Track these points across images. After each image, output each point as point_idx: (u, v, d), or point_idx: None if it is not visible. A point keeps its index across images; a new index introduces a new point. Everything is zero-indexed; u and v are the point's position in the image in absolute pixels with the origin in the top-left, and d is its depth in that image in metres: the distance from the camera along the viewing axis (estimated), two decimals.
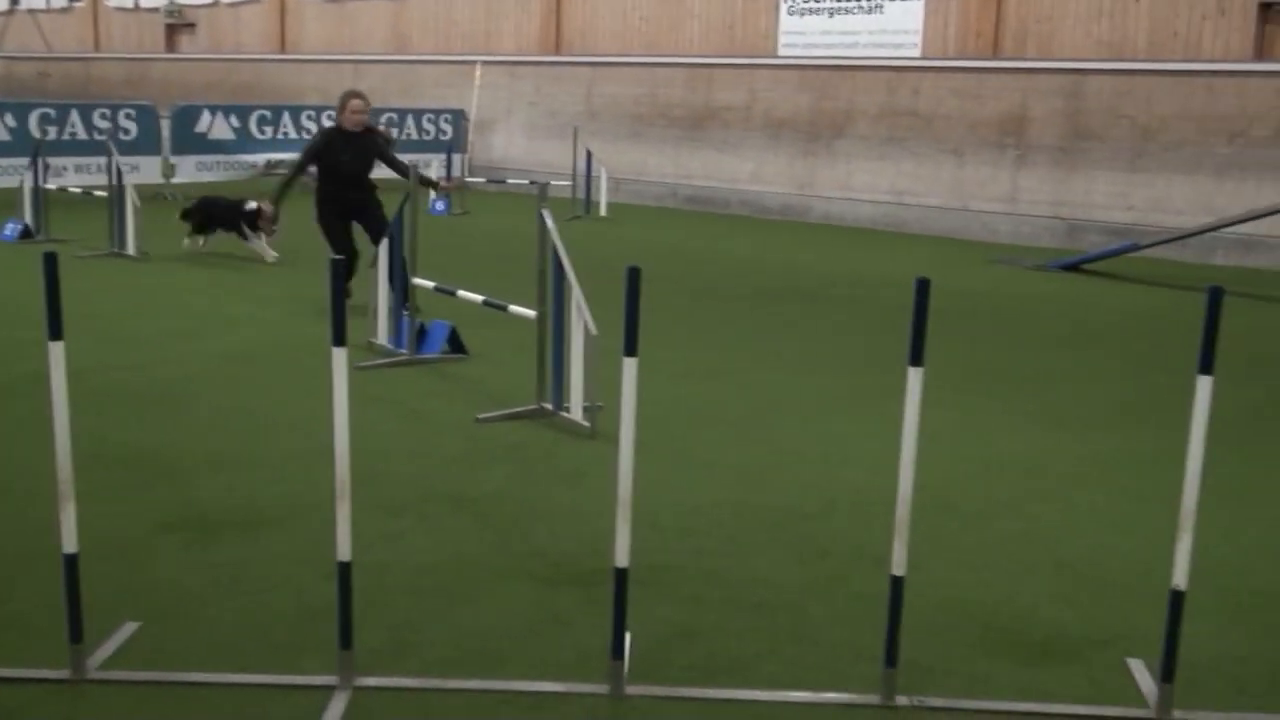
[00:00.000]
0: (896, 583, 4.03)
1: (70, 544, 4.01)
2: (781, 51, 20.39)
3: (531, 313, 7.50)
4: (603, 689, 4.07)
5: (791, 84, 19.97)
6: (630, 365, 3.93)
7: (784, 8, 20.37)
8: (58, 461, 4.00)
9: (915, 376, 3.89)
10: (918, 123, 18.63)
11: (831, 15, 19.81)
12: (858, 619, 4.70)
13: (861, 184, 19.22)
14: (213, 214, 13.86)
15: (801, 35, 20.20)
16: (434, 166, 19.82)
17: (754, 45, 20.78)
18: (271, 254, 13.37)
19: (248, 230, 13.50)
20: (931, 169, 18.48)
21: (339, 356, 3.87)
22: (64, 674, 4.04)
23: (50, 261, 3.88)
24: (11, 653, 4.18)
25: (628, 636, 4.08)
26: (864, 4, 19.49)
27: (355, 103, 10.40)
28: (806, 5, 20.12)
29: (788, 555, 5.39)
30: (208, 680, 4.06)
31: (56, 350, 3.92)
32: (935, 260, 15.15)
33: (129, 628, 4.39)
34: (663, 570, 4.98)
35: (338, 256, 3.98)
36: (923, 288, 3.77)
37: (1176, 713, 4.05)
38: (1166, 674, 4.05)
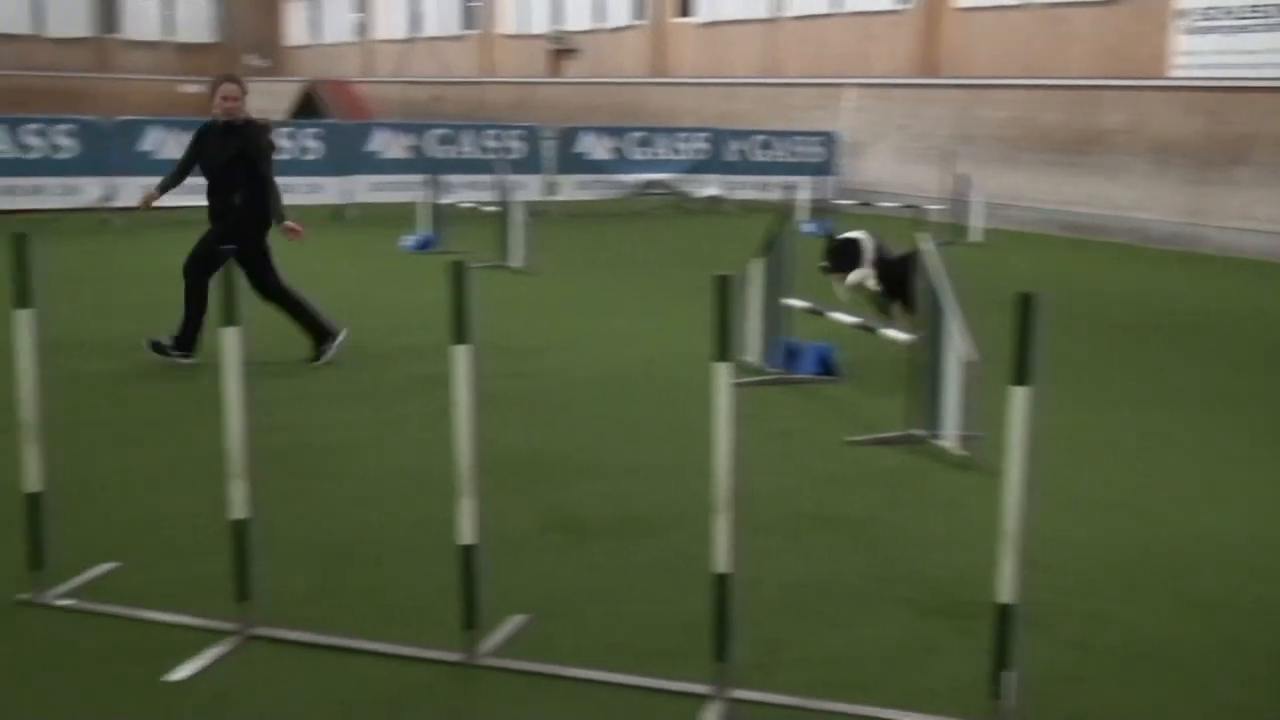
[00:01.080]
0: None
1: (469, 536, 4.25)
2: (1174, 72, 19.29)
3: (904, 336, 7.39)
4: None
5: (1180, 106, 18.86)
6: (1021, 395, 3.79)
7: (1179, 26, 19.27)
8: (459, 459, 4.25)
9: None
10: None
11: (1232, 33, 18.58)
12: (1258, 680, 4.36)
13: (1265, 215, 17.86)
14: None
15: (1197, 55, 19.06)
16: (803, 189, 19.91)
17: (1142, 66, 19.77)
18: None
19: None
20: None
21: (722, 372, 3.93)
22: (458, 657, 4.29)
23: (459, 272, 4.14)
24: (411, 634, 4.47)
25: (1011, 675, 3.93)
26: (1271, 20, 18.16)
27: (227, 87, 8.71)
28: (1205, 23, 18.96)
29: (1177, 604, 5.06)
30: (589, 676, 4.21)
31: (460, 354, 4.18)
32: None
33: (518, 620, 4.61)
34: (1043, 609, 4.77)
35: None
36: None
37: None
38: None
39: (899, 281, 9.02)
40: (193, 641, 4.40)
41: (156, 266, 13.74)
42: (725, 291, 3.89)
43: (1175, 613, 4.97)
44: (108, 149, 17.44)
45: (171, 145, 17.85)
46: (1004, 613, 3.87)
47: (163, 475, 6.31)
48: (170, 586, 4.87)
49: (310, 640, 4.42)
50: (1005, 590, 3.86)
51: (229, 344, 4.37)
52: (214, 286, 8.01)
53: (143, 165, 17.50)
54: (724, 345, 3.94)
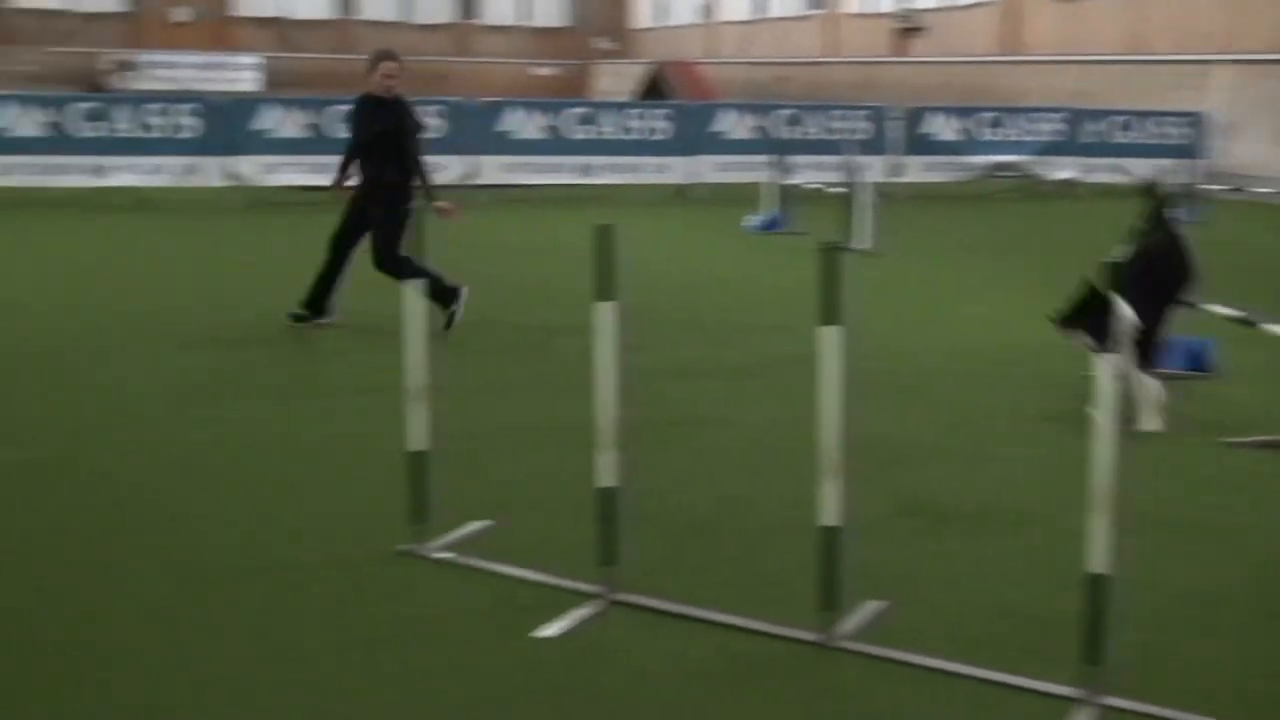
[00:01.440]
0: None
1: (832, 517, 4.23)
2: None
3: None
4: None
5: None
6: None
7: None
8: (825, 440, 4.23)
9: None
10: None
11: None
12: None
13: None
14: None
15: None
16: (1166, 172, 18.78)
17: None
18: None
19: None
20: None
21: (1106, 363, 3.74)
22: (815, 637, 4.28)
23: (831, 256, 4.11)
24: (767, 610, 4.49)
25: None
26: None
27: (388, 65, 8.87)
28: None
29: None
30: (948, 668, 4.11)
31: (829, 335, 4.16)
32: None
33: (874, 605, 4.55)
34: None
35: None
36: None
37: None
38: None
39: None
40: (559, 601, 4.58)
41: (521, 242, 14.42)
42: (1115, 279, 3.70)
43: None
44: (469, 128, 18.34)
45: (530, 126, 18.69)
46: None
47: (532, 438, 6.59)
48: (538, 547, 5.09)
49: (670, 609, 4.51)
50: None
51: (604, 318, 4.50)
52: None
53: (502, 145, 18.38)
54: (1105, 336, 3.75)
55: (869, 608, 4.53)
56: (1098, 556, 3.86)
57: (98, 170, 16.87)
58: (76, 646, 4.22)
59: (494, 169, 18.39)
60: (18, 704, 3.84)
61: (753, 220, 15.87)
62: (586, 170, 18.97)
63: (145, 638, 4.30)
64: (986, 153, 20.85)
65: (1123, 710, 3.86)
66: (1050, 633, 4.34)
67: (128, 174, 16.97)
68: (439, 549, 5.04)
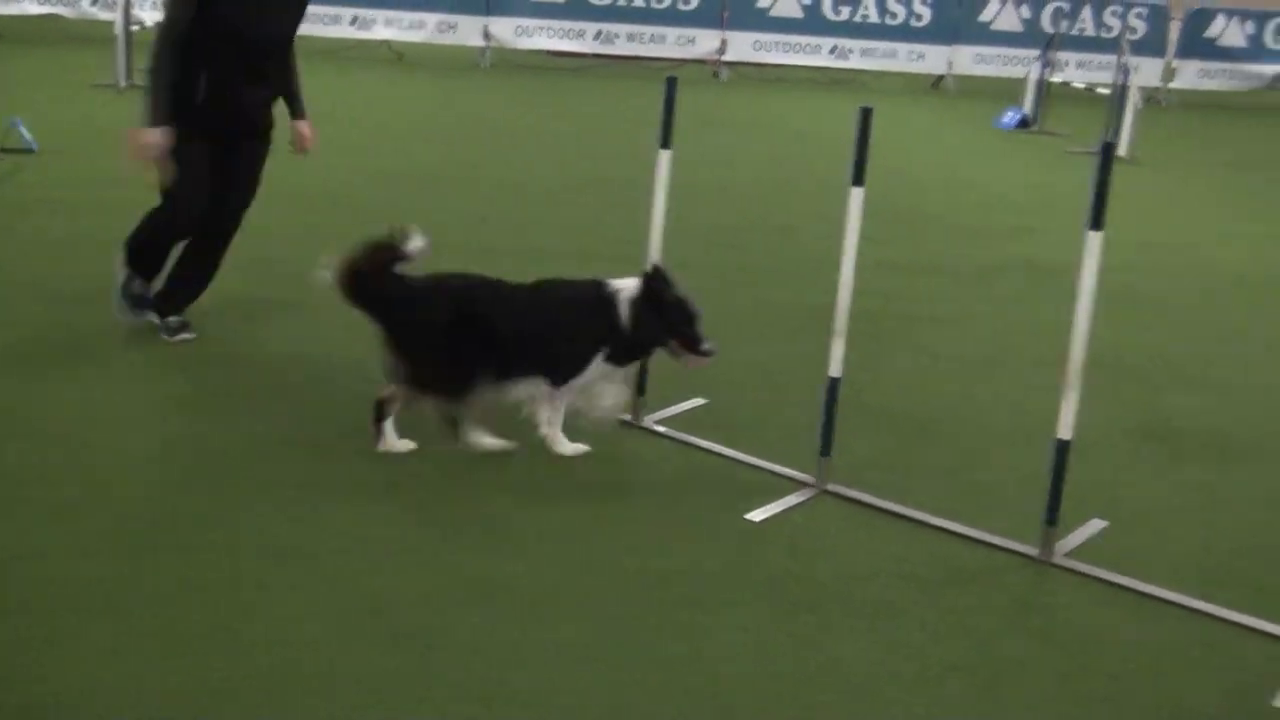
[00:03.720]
0: None
1: (1066, 431, 4.08)
2: None
3: None
4: None
5: None
6: None
7: None
8: (1072, 350, 4.06)
9: None
10: None
11: None
12: None
13: None
14: None
15: None
16: None
17: None
18: None
19: None
20: None
21: None
22: (1033, 551, 4.16)
23: (1107, 158, 3.90)
24: (983, 518, 4.39)
25: None
26: None
27: None
28: None
29: None
30: (1167, 597, 3.95)
31: (1093, 241, 3.97)
32: None
33: (1096, 524, 4.40)
34: None
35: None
36: None
37: None
38: None
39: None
40: (771, 486, 4.57)
41: (769, 121, 14.25)
42: None
43: None
44: (723, 2, 18.06)
45: (787, 3, 18.29)
46: None
47: (750, 323, 6.55)
48: (755, 429, 5.08)
49: (883, 506, 4.46)
50: None
51: (854, 205, 4.41)
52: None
53: (755, 20, 18.06)
54: None
55: (1091, 526, 4.38)
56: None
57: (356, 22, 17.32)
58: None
59: (744, 45, 18.15)
60: None
61: (1005, 117, 15.25)
62: (840, 53, 18.52)
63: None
64: (1274, 62, 19.41)
65: None
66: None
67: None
68: (657, 422, 5.08)
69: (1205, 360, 6.54)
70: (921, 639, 3.61)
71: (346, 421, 4.78)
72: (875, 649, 3.54)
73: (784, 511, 4.39)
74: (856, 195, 4.41)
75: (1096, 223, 3.95)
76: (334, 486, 4.33)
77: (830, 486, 4.56)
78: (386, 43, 17.40)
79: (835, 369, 4.52)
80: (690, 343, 4.64)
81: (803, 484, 4.59)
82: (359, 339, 4.88)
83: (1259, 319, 7.47)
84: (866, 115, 4.28)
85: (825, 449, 4.57)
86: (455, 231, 7.35)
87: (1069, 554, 4.18)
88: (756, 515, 4.34)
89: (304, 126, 5.81)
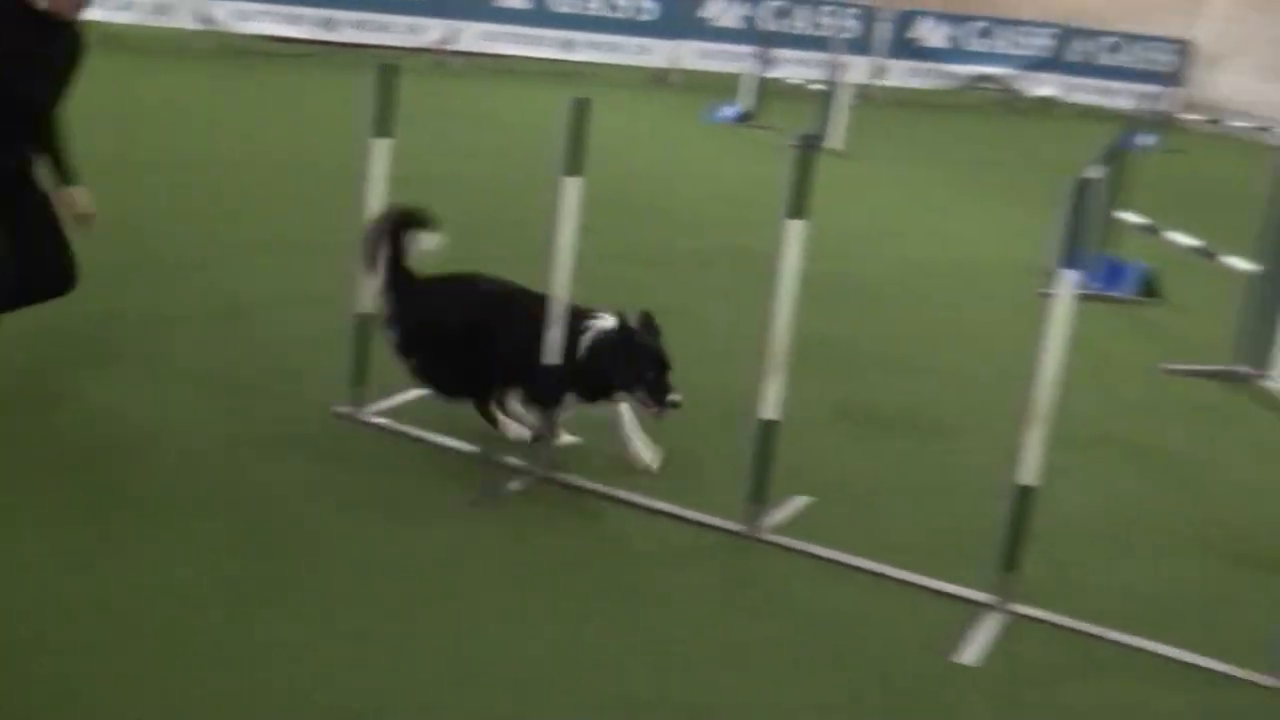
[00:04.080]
0: None
1: (771, 412, 4.27)
2: None
3: (1247, 266, 6.91)
4: (1273, 682, 3.73)
5: None
6: None
7: None
8: (774, 334, 4.25)
9: None
10: None
11: None
12: None
13: None
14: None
15: None
16: (1149, 100, 18.68)
17: None
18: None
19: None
20: None
21: (1067, 280, 3.77)
22: (740, 528, 4.34)
23: (806, 149, 4.09)
24: (694, 498, 4.54)
25: None
26: None
27: None
28: None
29: None
30: (868, 566, 4.19)
31: (794, 229, 4.16)
32: None
33: (801, 500, 4.62)
34: None
35: None
36: None
37: None
38: None
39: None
40: (492, 470, 4.62)
41: (495, 113, 14.25)
42: (1083, 196, 3.72)
43: None
44: None
45: None
46: None
47: None
48: (475, 421, 5.10)
49: (602, 490, 4.56)
50: None
51: (568, 194, 4.47)
52: None
53: (484, 11, 18.04)
54: (1071, 252, 3.77)
55: (796, 503, 4.60)
56: (1027, 469, 3.92)
57: None
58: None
59: (474, 36, 18.08)
60: None
61: (724, 111, 15.71)
62: (568, 45, 18.67)
63: None
64: (972, 63, 20.69)
65: (1033, 618, 3.96)
66: (970, 540, 4.42)
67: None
68: (376, 414, 5.05)
69: (906, 344, 6.93)
70: (652, 616, 3.73)
71: None
72: (608, 626, 3.63)
73: (500, 497, 4.44)
74: (571, 186, 4.48)
75: (797, 212, 4.13)
76: None
77: (553, 475, 4.63)
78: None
79: (551, 359, 4.59)
80: (657, 392, 4.52)
81: (525, 471, 4.65)
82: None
83: (952, 306, 7.96)
84: (581, 106, 4.36)
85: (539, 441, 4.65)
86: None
87: (776, 530, 4.38)
88: (472, 506, 4.37)
89: (75, 194, 4.83)
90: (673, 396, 4.51)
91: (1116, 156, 8.39)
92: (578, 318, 4.61)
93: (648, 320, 4.66)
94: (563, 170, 4.45)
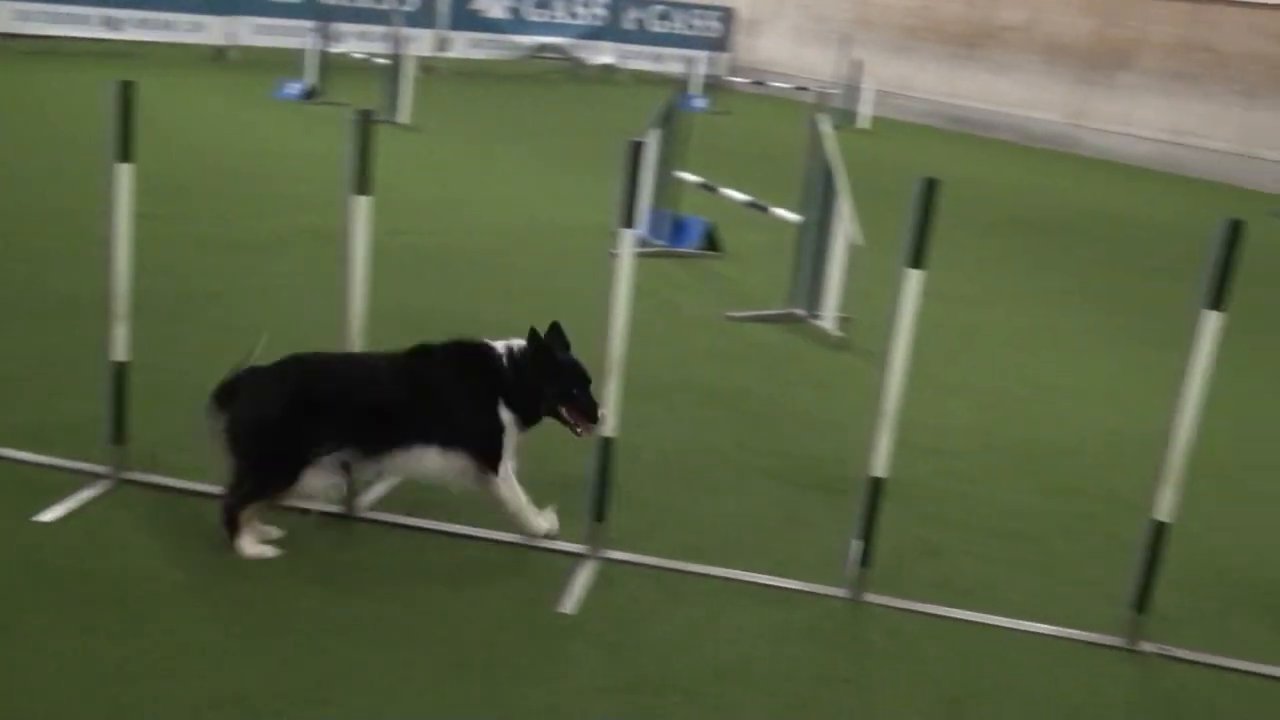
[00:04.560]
0: (1159, 528, 3.92)
1: None
2: None
3: (794, 217, 7.47)
4: (842, 592, 4.10)
5: (1077, 7, 19.08)
6: (913, 277, 3.88)
7: None
8: (349, 311, 4.22)
9: (1212, 321, 3.74)
10: (1211, 59, 17.57)
11: None
12: (1105, 559, 4.59)
13: (1142, 120, 18.29)
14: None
15: None
16: (698, 64, 19.72)
17: None
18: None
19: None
20: (1218, 110, 17.45)
21: (628, 238, 3.94)
22: (337, 508, 4.29)
23: (363, 125, 4.06)
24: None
25: (861, 544, 4.08)
26: None
27: None
28: None
29: (1037, 487, 5.30)
30: (469, 533, 4.25)
31: (360, 205, 4.13)
32: (1209, 206, 14.38)
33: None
34: (909, 487, 4.95)
35: None
36: (1233, 230, 3.61)
37: None
38: None
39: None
40: (64, 483, 4.32)
41: (31, 100, 13.21)
42: (636, 158, 3.88)
43: (1033, 494, 5.21)
44: None
45: None
46: (875, 486, 4.01)
47: (26, 313, 6.12)
48: (37, 426, 4.77)
49: (186, 487, 4.38)
50: (878, 465, 3.99)
51: (121, 182, 4.24)
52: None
53: None
54: (629, 212, 3.94)
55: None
56: (608, 422, 4.09)
57: None
58: None
59: (5, 16, 16.68)
60: None
61: (289, 88, 15.31)
62: (112, 24, 17.56)
63: None
64: (532, 33, 21.12)
65: (624, 562, 4.15)
66: (571, 494, 4.55)
67: None
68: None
69: (491, 310, 7.03)
70: (263, 600, 3.63)
71: None
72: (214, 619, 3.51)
73: (80, 507, 4.18)
74: (124, 172, 4.24)
75: (361, 187, 4.11)
76: None
77: (128, 475, 4.40)
78: None
79: (120, 353, 4.36)
80: (587, 409, 4.13)
81: (98, 476, 4.39)
82: None
83: (533, 269, 8.15)
84: (126, 90, 4.14)
85: (117, 437, 4.40)
86: None
87: (374, 506, 4.36)
88: (48, 515, 4.09)
89: None
90: (603, 411, 4.12)
91: (671, 119, 8.83)
92: (467, 350, 4.19)
93: (557, 332, 4.24)
94: (114, 157, 4.22)
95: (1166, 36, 18.05)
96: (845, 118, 18.67)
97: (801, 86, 19.12)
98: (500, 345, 4.15)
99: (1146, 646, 3.99)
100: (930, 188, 3.78)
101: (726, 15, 23.38)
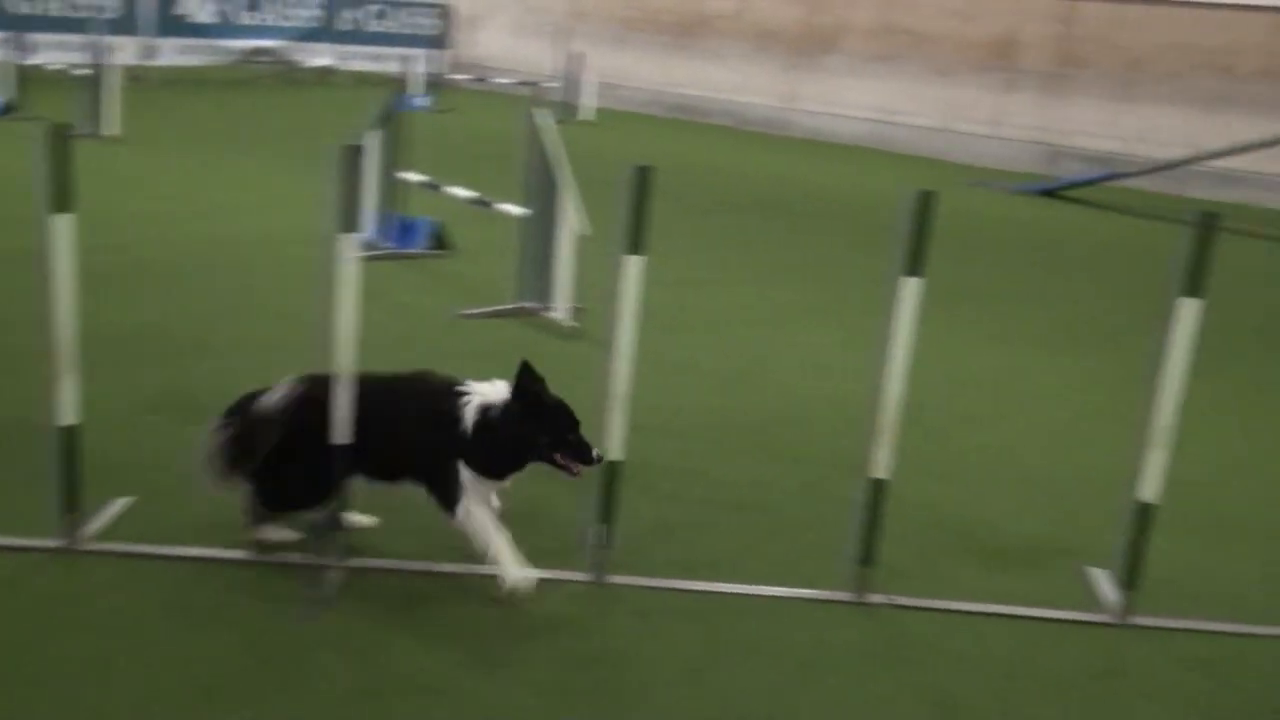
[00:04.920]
0: (877, 485, 4.16)
1: (70, 416, 4.06)
2: None
3: (519, 210, 7.54)
4: (586, 577, 4.19)
5: None
6: (633, 263, 3.99)
7: None
8: (58, 335, 4.04)
9: (910, 287, 3.98)
10: (910, 41, 18.55)
11: None
12: (834, 521, 4.83)
13: (849, 101, 19.17)
14: None
15: None
16: (417, 62, 19.57)
17: None
18: None
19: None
20: (920, 89, 18.45)
21: (347, 243, 3.91)
22: (59, 543, 4.11)
23: (59, 140, 3.90)
24: (3, 523, 4.24)
25: (603, 529, 4.18)
26: None
27: None
28: None
29: (765, 459, 5.52)
30: (195, 554, 4.15)
31: (61, 224, 3.96)
32: (916, 179, 15.16)
33: (121, 502, 4.46)
34: (643, 468, 5.08)
35: None
36: (924, 200, 3.85)
37: (1135, 618, 4.22)
38: (1129, 581, 4.21)
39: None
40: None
41: None
42: (353, 163, 3.85)
43: (764, 465, 5.42)
44: None
45: None
46: (612, 470, 4.11)
47: None
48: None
49: None
50: (614, 448, 4.09)
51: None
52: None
53: None
54: (348, 218, 3.90)
55: (116, 505, 4.43)
56: (341, 430, 4.04)
57: None
58: None
59: None
60: None
61: None
62: None
63: None
64: (244, 37, 20.51)
65: (368, 569, 4.13)
66: None
67: None
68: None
69: (215, 324, 6.84)
70: None
71: None
72: None
73: None
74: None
75: (61, 205, 3.95)
76: None
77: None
78: None
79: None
80: (581, 452, 4.01)
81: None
82: None
83: (258, 279, 7.94)
84: None
85: None
86: None
87: (98, 538, 4.19)
88: None
89: None
90: (597, 451, 4.05)
91: (392, 119, 8.75)
92: (434, 389, 4.08)
93: (530, 371, 4.05)
94: None
95: (867, 21, 18.96)
96: (568, 111, 18.87)
97: (524, 81, 19.21)
98: (472, 403, 4.01)
99: (874, 598, 4.23)
100: (644, 175, 3.90)
101: (445, 12, 23.26)
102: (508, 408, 3.98)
